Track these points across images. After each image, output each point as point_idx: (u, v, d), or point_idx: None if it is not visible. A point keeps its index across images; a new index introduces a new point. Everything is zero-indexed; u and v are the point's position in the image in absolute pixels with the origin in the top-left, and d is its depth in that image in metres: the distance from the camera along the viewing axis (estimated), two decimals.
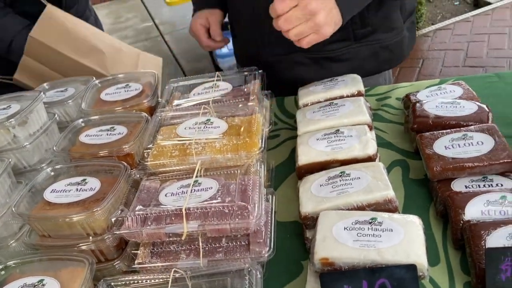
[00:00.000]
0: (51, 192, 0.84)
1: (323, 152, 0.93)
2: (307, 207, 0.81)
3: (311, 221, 0.81)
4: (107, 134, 0.99)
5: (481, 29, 3.77)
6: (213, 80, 1.13)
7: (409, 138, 1.06)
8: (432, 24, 4.11)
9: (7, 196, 0.95)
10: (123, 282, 0.73)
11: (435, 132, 0.94)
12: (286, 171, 1.07)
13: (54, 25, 1.35)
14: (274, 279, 0.81)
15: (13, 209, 0.80)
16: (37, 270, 0.75)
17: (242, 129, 0.95)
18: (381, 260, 0.67)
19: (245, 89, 1.11)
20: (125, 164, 0.88)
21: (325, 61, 1.25)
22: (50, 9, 1.36)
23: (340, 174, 0.85)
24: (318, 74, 1.21)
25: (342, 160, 0.91)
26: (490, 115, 0.96)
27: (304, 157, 0.93)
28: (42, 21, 1.34)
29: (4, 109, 1.04)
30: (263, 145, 0.90)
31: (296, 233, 0.90)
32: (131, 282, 0.72)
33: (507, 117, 1.05)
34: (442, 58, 3.51)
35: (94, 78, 1.24)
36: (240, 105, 1.02)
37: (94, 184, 0.84)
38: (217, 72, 1.15)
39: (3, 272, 0.77)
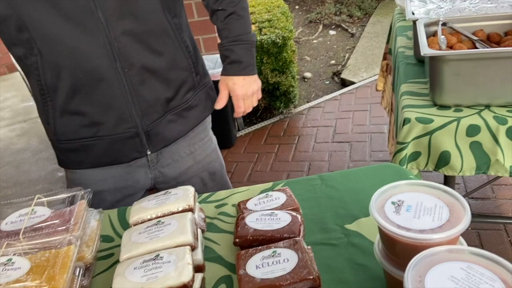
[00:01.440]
0: None
1: (138, 283, 0.89)
2: None
3: None
4: None
5: (347, 106, 4.21)
6: (31, 205, 1.06)
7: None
8: (307, 102, 4.50)
9: None
10: None
11: (250, 249, 0.97)
12: None
13: None
14: None
15: None
16: None
17: (51, 266, 0.88)
18: None
19: (68, 213, 1.05)
20: None
21: (186, 111, 1.43)
22: None
23: None
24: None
25: None
26: (302, 227, 1.03)
27: None
28: None
29: None
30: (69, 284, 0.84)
31: None
32: None
33: (324, 222, 1.13)
34: (314, 134, 3.82)
35: None
36: (53, 236, 0.96)
37: None
38: (37, 195, 1.08)
39: None
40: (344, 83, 4.85)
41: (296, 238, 0.97)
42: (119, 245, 1.17)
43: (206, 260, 1.06)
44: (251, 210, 1.13)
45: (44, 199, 1.08)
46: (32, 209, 1.04)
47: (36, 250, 0.92)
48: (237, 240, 1.02)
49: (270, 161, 3.55)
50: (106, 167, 1.41)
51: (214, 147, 1.63)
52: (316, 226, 1.11)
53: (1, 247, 0.90)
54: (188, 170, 1.54)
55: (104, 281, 1.05)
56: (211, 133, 1.62)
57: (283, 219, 1.05)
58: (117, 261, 1.12)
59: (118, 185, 1.45)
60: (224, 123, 3.60)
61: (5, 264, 0.87)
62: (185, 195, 1.15)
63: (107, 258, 1.13)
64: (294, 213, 1.07)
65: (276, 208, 1.11)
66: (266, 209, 1.12)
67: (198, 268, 1.00)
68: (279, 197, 1.16)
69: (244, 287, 0.87)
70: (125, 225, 1.25)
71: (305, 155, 3.54)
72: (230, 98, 1.46)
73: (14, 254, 0.89)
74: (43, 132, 1.43)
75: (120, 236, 1.22)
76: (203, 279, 0.97)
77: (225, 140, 3.76)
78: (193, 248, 0.99)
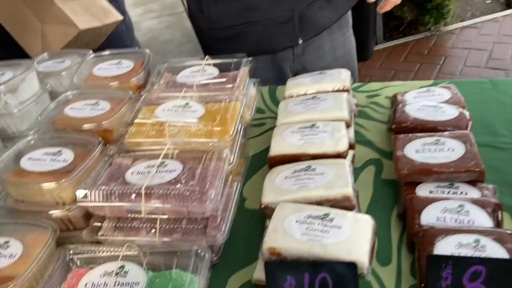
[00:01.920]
0: (27, 159, 0.88)
1: (295, 145, 0.94)
2: (267, 197, 0.83)
3: (270, 212, 0.83)
4: (91, 109, 1.02)
5: (509, 30, 3.63)
6: (201, 64, 1.14)
7: (389, 138, 1.06)
8: (461, 21, 3.98)
9: None
10: (80, 251, 0.77)
11: (409, 134, 0.93)
12: (264, 161, 1.08)
13: None
14: (229, 263, 0.83)
15: None
16: (5, 232, 0.80)
17: (218, 115, 0.97)
18: (324, 255, 0.69)
19: (232, 75, 1.12)
20: (100, 139, 0.91)
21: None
22: None
23: (305, 168, 0.86)
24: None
25: (312, 155, 0.91)
26: (470, 123, 0.95)
27: (276, 148, 0.94)
28: None
29: None
30: (235, 133, 0.92)
31: (260, 221, 0.92)
32: (87, 251, 0.76)
33: (491, 126, 1.03)
34: (464, 57, 3.41)
35: (91, 51, 1.27)
36: (222, 92, 1.04)
37: (68, 156, 0.88)
38: (207, 56, 1.16)
39: None
40: (510, 4, 4.13)
41: (463, 131, 0.90)
42: (270, 117, 1.24)
43: (356, 143, 1.06)
44: (409, 102, 1.08)
45: (212, 61, 1.15)
46: (203, 67, 1.13)
47: (208, 101, 1.01)
48: (394, 126, 0.99)
49: (408, 79, 3.31)
50: (253, 57, 1.45)
51: (352, 47, 1.59)
52: (483, 128, 1.01)
53: (180, 92, 1.01)
54: (327, 67, 1.53)
55: (256, 143, 1.13)
56: (351, 30, 1.58)
57: (448, 112, 0.97)
58: (269, 129, 1.20)
59: (263, 77, 1.50)
60: (362, 33, 3.38)
61: (183, 107, 0.98)
62: (340, 76, 1.14)
63: (259, 126, 1.20)
64: (460, 109, 0.99)
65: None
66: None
67: (349, 146, 1.01)
68: (442, 94, 1.08)
69: (402, 167, 0.86)
70: (276, 101, 1.30)
71: (450, 78, 3.22)
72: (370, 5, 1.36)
73: (191, 99, 1.00)
74: (187, 26, 1.48)
75: (271, 110, 1.27)
76: (354, 156, 0.98)
77: (361, 51, 3.55)
78: (347, 125, 0.99)
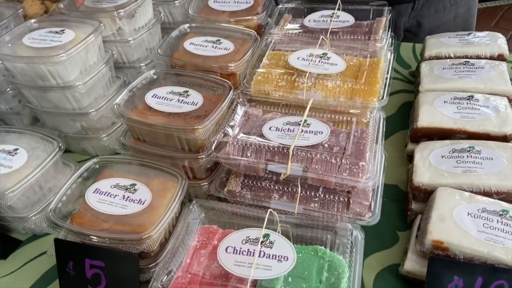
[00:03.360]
0: (152, 96, 0.80)
1: (450, 118, 0.80)
2: (422, 177, 0.72)
3: (423, 194, 0.72)
4: (213, 47, 0.92)
5: None
6: (333, 9, 0.99)
7: None
8: None
9: (106, 89, 0.93)
10: (213, 207, 0.69)
11: None
12: (392, 128, 0.96)
13: None
14: (365, 243, 0.74)
15: (115, 108, 0.77)
16: (129, 172, 0.73)
17: (362, 72, 0.83)
18: (508, 260, 0.58)
19: (368, 26, 0.97)
20: (230, 84, 0.81)
21: None
22: None
23: (468, 149, 0.73)
24: None
25: (471, 133, 0.78)
26: None
27: (426, 118, 0.81)
28: None
29: None
30: (384, 96, 0.79)
31: (394, 199, 0.81)
32: (221, 209, 0.69)
33: None
34: None
35: None
36: (361, 44, 0.90)
37: (196, 98, 0.79)
38: (339, 0, 1.01)
39: (97, 166, 0.76)
40: None
41: None
42: (395, 78, 1.10)
43: None
44: None
45: (344, 6, 1.00)
46: (335, 13, 0.98)
47: (345, 53, 0.87)
48: None
49: None
50: None
51: (475, 4, 1.37)
52: None
53: (316, 41, 0.88)
54: (443, 25, 1.33)
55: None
56: None
57: None
58: (396, 92, 1.06)
59: None
60: None
61: (321, 57, 0.85)
62: (495, 41, 0.96)
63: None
64: None
65: None
66: None
67: None
68: None
69: None
70: (401, 60, 1.15)
71: None
72: None
73: (327, 49, 0.87)
74: None
75: (396, 70, 1.13)
76: None
77: None
78: (510, 100, 0.84)
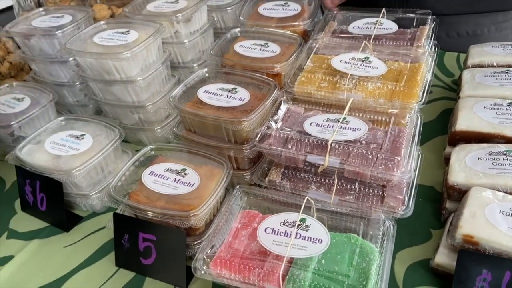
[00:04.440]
0: (204, 92, 0.87)
1: (489, 123, 0.82)
2: (457, 177, 0.74)
3: (457, 193, 0.74)
4: (261, 49, 0.99)
5: None
6: (377, 16, 1.04)
7: None
8: None
9: (162, 85, 1.02)
10: (255, 194, 0.75)
11: None
12: (432, 132, 0.99)
13: None
14: (398, 239, 0.77)
15: (171, 100, 0.85)
16: (180, 159, 0.81)
17: (403, 76, 0.87)
18: None
19: (411, 33, 1.00)
20: (276, 83, 0.87)
21: None
22: None
23: (505, 152, 0.75)
24: None
25: (510, 138, 0.79)
26: None
27: (465, 122, 0.84)
28: None
29: (172, 3, 1.08)
30: (423, 99, 0.82)
31: (431, 199, 0.84)
32: (262, 195, 0.75)
33: None
34: None
35: None
36: (403, 50, 0.93)
37: (244, 95, 0.86)
38: (383, 9, 1.05)
39: (153, 152, 0.85)
40: None
41: None
42: (437, 85, 1.12)
43: None
44: None
45: (388, 14, 1.04)
46: (379, 20, 1.03)
47: (386, 58, 0.91)
48: None
49: None
50: None
51: None
52: None
53: (359, 46, 0.93)
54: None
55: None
56: None
57: None
58: (437, 99, 1.08)
59: None
60: None
61: (362, 61, 0.90)
62: None
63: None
64: None
65: None
66: None
67: None
68: None
69: None
70: (444, 68, 1.17)
71: None
72: None
73: (370, 53, 0.91)
74: None
75: (438, 78, 1.15)
76: None
77: None
78: None
